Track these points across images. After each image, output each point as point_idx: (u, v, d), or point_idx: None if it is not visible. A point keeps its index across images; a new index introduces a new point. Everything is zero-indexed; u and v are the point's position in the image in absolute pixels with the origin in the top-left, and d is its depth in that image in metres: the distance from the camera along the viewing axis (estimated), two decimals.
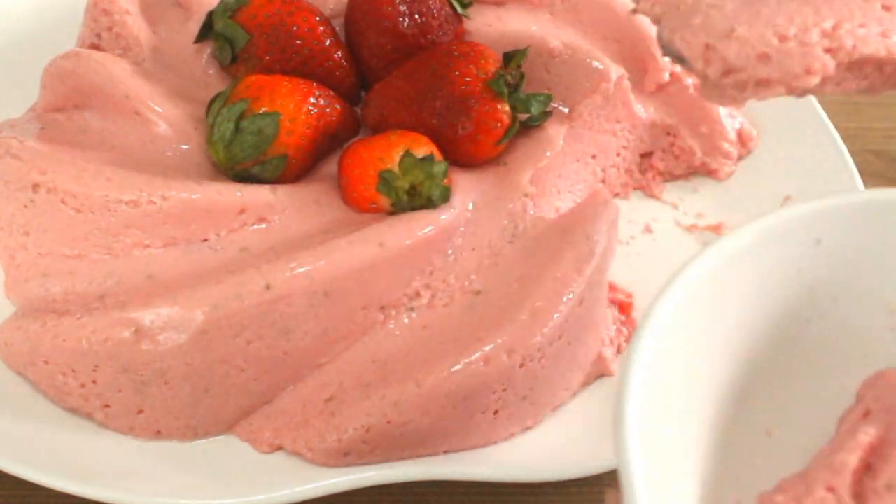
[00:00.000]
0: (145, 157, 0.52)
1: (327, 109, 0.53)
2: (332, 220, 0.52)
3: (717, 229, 0.60)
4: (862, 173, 0.59)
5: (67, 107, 0.54)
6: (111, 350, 0.48)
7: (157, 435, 0.49)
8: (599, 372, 0.53)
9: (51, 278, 0.50)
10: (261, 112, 0.50)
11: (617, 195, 0.62)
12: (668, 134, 0.61)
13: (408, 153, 0.50)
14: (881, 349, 0.37)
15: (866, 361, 0.37)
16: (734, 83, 0.35)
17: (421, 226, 0.50)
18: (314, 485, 0.46)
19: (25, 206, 0.51)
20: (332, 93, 0.54)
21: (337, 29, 0.57)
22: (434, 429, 0.48)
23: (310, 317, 0.49)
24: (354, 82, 0.56)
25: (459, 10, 0.57)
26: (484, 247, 0.52)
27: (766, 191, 0.61)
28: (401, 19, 0.55)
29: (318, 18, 0.55)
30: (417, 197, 0.51)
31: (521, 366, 0.48)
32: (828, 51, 0.34)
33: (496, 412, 0.49)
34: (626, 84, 0.58)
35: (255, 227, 0.51)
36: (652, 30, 0.61)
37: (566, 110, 0.57)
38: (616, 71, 0.57)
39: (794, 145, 0.61)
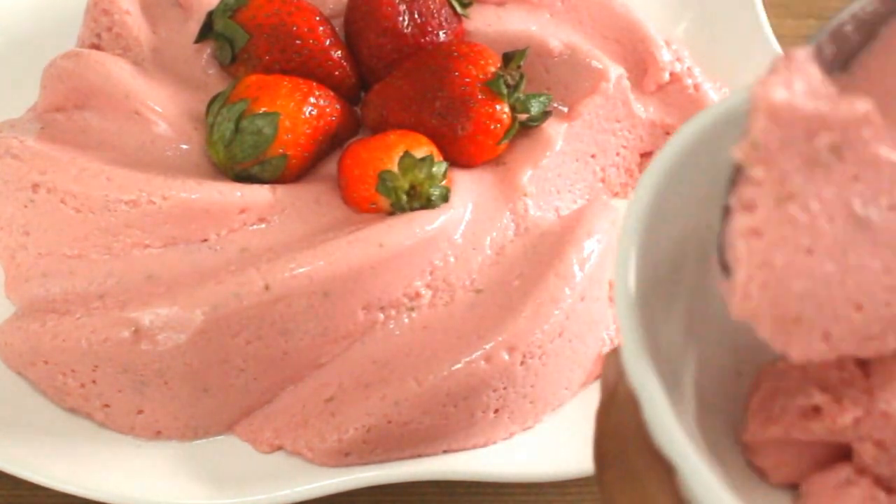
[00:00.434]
0: (145, 157, 0.52)
1: (327, 109, 0.53)
2: (332, 220, 0.52)
3: None
4: None
5: (67, 107, 0.54)
6: (111, 350, 0.48)
7: (157, 435, 0.49)
8: (600, 371, 0.53)
9: (51, 278, 0.50)
10: (261, 112, 0.50)
11: (616, 195, 0.62)
12: (668, 134, 0.61)
13: (407, 153, 0.50)
14: None
15: None
16: None
17: (421, 226, 0.50)
18: (314, 485, 0.46)
19: (25, 206, 0.51)
20: (332, 93, 0.54)
21: (337, 29, 0.57)
22: (434, 428, 0.48)
23: (309, 317, 0.49)
24: (354, 82, 0.56)
25: (459, 10, 0.57)
26: (484, 246, 0.52)
27: None
28: (400, 19, 0.55)
29: (317, 18, 0.55)
30: (417, 197, 0.51)
31: (522, 363, 0.48)
32: None
33: (497, 411, 0.49)
34: (626, 84, 0.58)
35: (255, 227, 0.51)
36: (652, 30, 0.61)
37: (566, 110, 0.57)
38: (615, 70, 0.57)
39: None
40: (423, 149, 0.51)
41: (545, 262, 0.51)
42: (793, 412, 0.31)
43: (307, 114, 0.52)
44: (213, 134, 0.51)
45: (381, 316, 0.51)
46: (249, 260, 0.49)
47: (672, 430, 0.26)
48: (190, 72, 0.56)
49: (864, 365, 0.31)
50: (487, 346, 0.48)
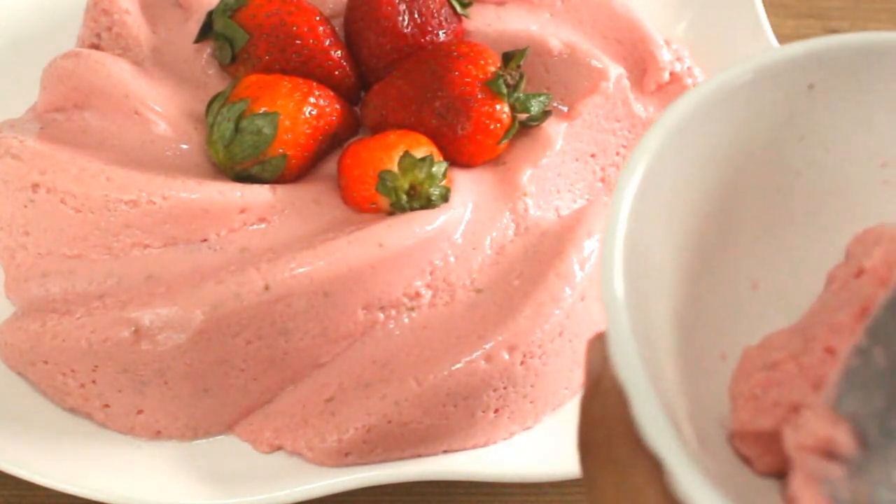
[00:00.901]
0: (145, 157, 0.52)
1: (327, 109, 0.53)
2: (332, 220, 0.52)
3: None
4: None
5: (67, 107, 0.54)
6: (111, 350, 0.48)
7: (157, 435, 0.49)
8: None
9: (50, 278, 0.50)
10: (260, 112, 0.50)
11: None
12: None
13: (407, 153, 0.50)
14: (873, 204, 0.36)
15: (857, 216, 0.35)
16: None
17: (421, 226, 0.50)
18: (314, 485, 0.46)
19: (25, 206, 0.51)
20: (331, 93, 0.54)
21: (337, 29, 0.57)
22: (435, 428, 0.48)
23: (309, 317, 0.49)
24: (354, 82, 0.56)
25: (459, 9, 0.57)
26: (485, 246, 0.52)
27: None
28: (400, 19, 0.55)
29: (317, 18, 0.55)
30: (417, 197, 0.51)
31: (522, 363, 0.48)
32: None
33: (497, 411, 0.49)
34: (626, 83, 0.58)
35: (255, 227, 0.51)
36: (652, 29, 0.61)
37: (565, 109, 0.57)
38: (615, 70, 0.57)
39: None
40: (422, 149, 0.51)
41: (545, 262, 0.51)
42: (786, 407, 0.31)
43: (307, 114, 0.52)
44: (212, 134, 0.51)
45: (381, 316, 0.51)
46: (249, 260, 0.49)
47: (660, 424, 0.26)
48: (190, 72, 0.56)
49: None
50: (487, 346, 0.48)
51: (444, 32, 0.56)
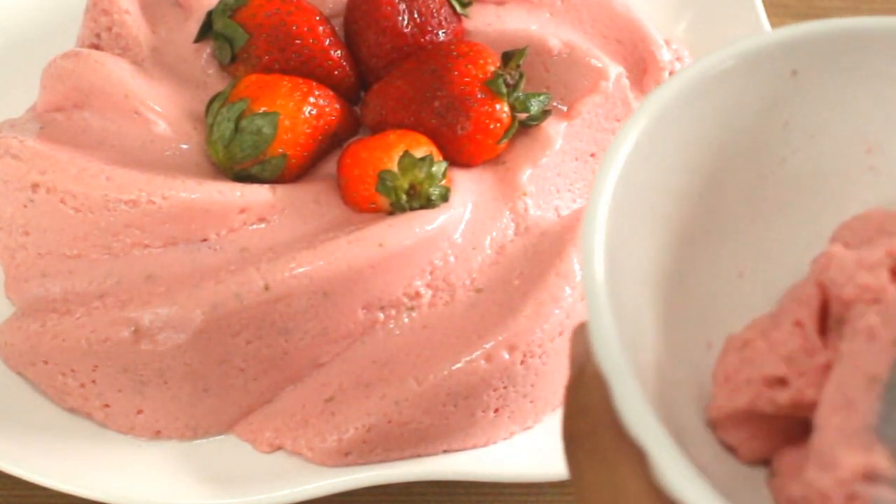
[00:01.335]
0: (145, 157, 0.52)
1: (327, 109, 0.53)
2: (332, 219, 0.52)
3: None
4: None
5: (67, 107, 0.54)
6: (111, 350, 0.48)
7: (157, 435, 0.49)
8: None
9: (50, 278, 0.50)
10: (260, 112, 0.50)
11: None
12: None
13: (407, 153, 0.50)
14: (858, 190, 0.35)
15: (843, 202, 0.35)
16: None
17: (420, 226, 0.50)
18: (314, 485, 0.46)
19: (25, 206, 0.51)
20: (331, 92, 0.54)
21: (336, 28, 0.57)
22: (435, 428, 0.48)
23: (309, 317, 0.49)
24: (354, 82, 0.56)
25: (459, 9, 0.57)
26: (485, 246, 0.52)
27: None
28: (400, 18, 0.55)
29: (317, 18, 0.55)
30: (417, 197, 0.51)
31: (522, 363, 0.48)
32: None
33: (497, 411, 0.49)
34: (625, 82, 0.58)
35: (255, 226, 0.51)
36: (652, 29, 0.61)
37: (565, 109, 0.57)
38: (615, 69, 0.57)
39: None
40: (422, 148, 0.51)
41: (546, 262, 0.51)
42: (758, 383, 0.31)
43: (307, 113, 0.52)
44: (212, 133, 0.51)
45: (381, 316, 0.51)
46: (249, 260, 0.49)
47: (643, 415, 0.26)
48: (189, 71, 0.56)
49: (823, 332, 0.31)
50: (488, 346, 0.48)
51: (443, 32, 0.56)
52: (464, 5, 0.58)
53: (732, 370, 0.31)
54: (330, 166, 0.54)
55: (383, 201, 0.51)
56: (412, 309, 0.51)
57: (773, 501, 0.31)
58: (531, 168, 0.54)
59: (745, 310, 0.34)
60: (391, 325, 0.51)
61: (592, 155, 0.59)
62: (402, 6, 0.55)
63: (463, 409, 0.48)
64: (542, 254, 0.52)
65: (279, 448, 0.49)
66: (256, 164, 0.51)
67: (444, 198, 0.51)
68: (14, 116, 0.56)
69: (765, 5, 0.65)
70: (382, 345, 0.50)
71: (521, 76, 0.54)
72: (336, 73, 0.55)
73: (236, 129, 0.50)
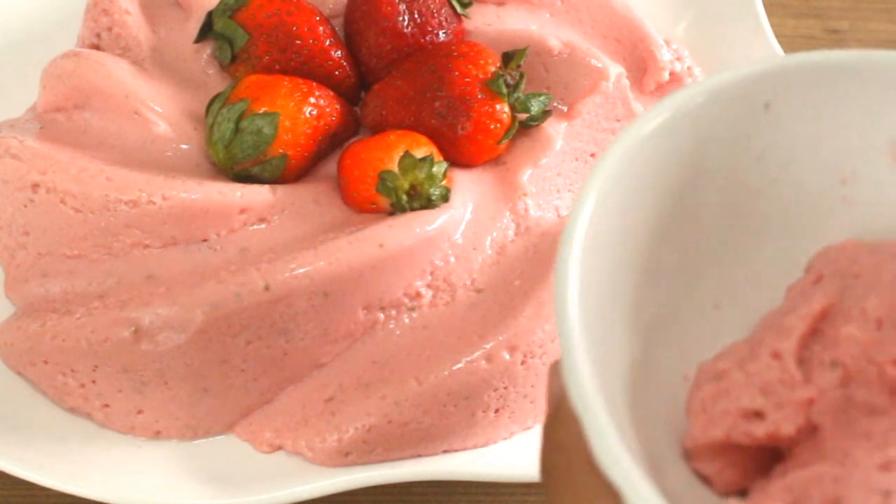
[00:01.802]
0: (145, 157, 0.52)
1: (327, 109, 0.53)
2: (332, 220, 0.52)
3: None
4: None
5: (67, 107, 0.54)
6: (111, 350, 0.48)
7: (157, 435, 0.49)
8: None
9: (50, 278, 0.50)
10: (260, 112, 0.50)
11: None
12: None
13: (407, 154, 0.50)
14: (833, 220, 0.36)
15: (817, 233, 0.35)
16: None
17: (421, 226, 0.50)
18: (314, 485, 0.46)
19: (25, 206, 0.51)
20: (331, 93, 0.54)
21: (337, 29, 0.57)
22: (435, 428, 0.48)
23: (309, 317, 0.49)
24: (354, 82, 0.56)
25: (459, 9, 0.57)
26: (485, 246, 0.52)
27: None
28: (400, 19, 0.55)
29: (317, 18, 0.55)
30: (417, 197, 0.51)
31: (523, 363, 0.48)
32: None
33: (497, 411, 0.49)
34: (625, 83, 0.58)
35: (255, 227, 0.51)
36: (652, 29, 0.61)
37: (565, 109, 0.57)
38: (615, 69, 0.57)
39: None
40: (423, 149, 0.51)
41: (546, 262, 0.51)
42: (734, 415, 0.31)
43: (307, 114, 0.52)
44: (212, 134, 0.51)
45: (382, 316, 0.51)
46: (249, 260, 0.49)
47: (617, 458, 0.26)
48: (190, 72, 0.56)
49: (802, 364, 0.31)
50: (488, 346, 0.48)
51: (444, 32, 0.56)
52: (464, 5, 0.58)
53: (709, 401, 0.31)
54: (330, 166, 0.54)
55: (384, 202, 0.51)
56: (412, 309, 0.51)
57: None
58: (531, 168, 0.54)
59: (722, 342, 0.34)
60: (391, 326, 0.51)
61: (592, 155, 0.59)
62: (403, 6, 0.55)
63: (463, 409, 0.48)
64: (543, 254, 0.52)
65: (279, 448, 0.49)
66: (257, 165, 0.51)
67: (445, 198, 0.51)
68: (14, 116, 0.56)
69: (765, 5, 0.65)
70: (382, 345, 0.50)
71: (521, 76, 0.54)
72: (336, 73, 0.55)
73: (236, 129, 0.50)
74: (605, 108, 0.58)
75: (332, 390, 0.49)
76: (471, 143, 0.53)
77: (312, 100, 0.52)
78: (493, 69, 0.53)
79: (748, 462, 0.31)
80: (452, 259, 0.51)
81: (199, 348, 0.48)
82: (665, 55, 0.60)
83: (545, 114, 0.55)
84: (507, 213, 0.53)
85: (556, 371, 0.31)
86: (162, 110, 0.53)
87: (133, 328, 0.47)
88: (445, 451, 0.49)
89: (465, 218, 0.52)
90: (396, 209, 0.51)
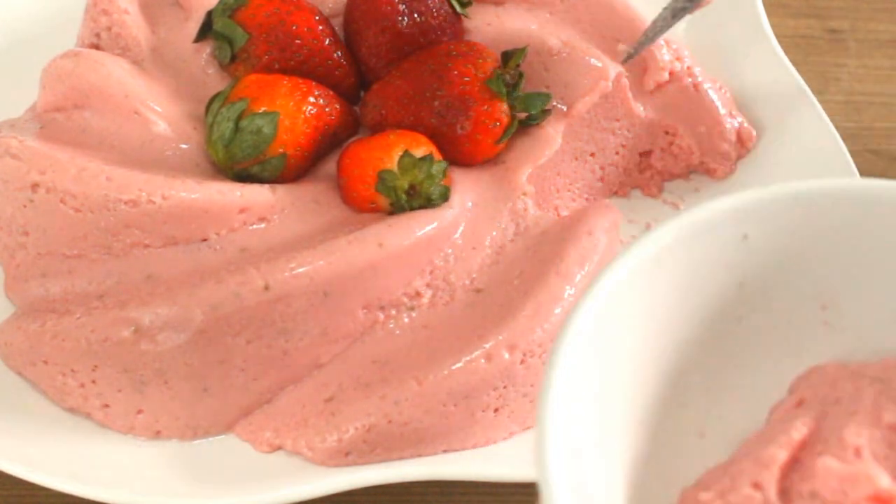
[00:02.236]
0: (145, 157, 0.52)
1: (326, 109, 0.53)
2: (332, 219, 0.52)
3: None
4: (862, 173, 0.59)
5: (67, 106, 0.54)
6: (111, 350, 0.48)
7: (157, 435, 0.49)
8: None
9: (50, 278, 0.50)
10: (260, 112, 0.50)
11: (615, 194, 0.62)
12: (668, 133, 0.61)
13: (407, 153, 0.50)
14: (815, 346, 0.36)
15: (800, 357, 0.36)
16: None
17: (420, 225, 0.50)
18: (314, 485, 0.46)
19: (25, 206, 0.51)
20: (331, 92, 0.54)
21: (336, 28, 0.57)
22: (435, 428, 0.48)
23: (309, 317, 0.49)
24: (354, 82, 0.56)
25: (459, 9, 0.57)
26: (485, 246, 0.52)
27: None
28: (400, 18, 0.55)
29: (317, 18, 0.55)
30: (417, 197, 0.51)
31: (523, 362, 0.48)
32: None
33: (497, 410, 0.49)
34: (625, 82, 0.58)
35: (255, 226, 0.51)
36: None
37: (565, 108, 0.57)
38: (614, 69, 0.57)
39: (794, 145, 0.61)
40: (422, 148, 0.51)
41: (546, 261, 0.51)
42: None
43: (307, 113, 0.52)
44: (212, 133, 0.51)
45: (381, 315, 0.50)
46: (249, 259, 0.49)
47: None
48: (189, 71, 0.56)
49: (782, 495, 0.31)
50: (488, 346, 0.48)
51: (443, 32, 0.56)
52: (463, 5, 0.58)
53: None
54: (330, 166, 0.54)
55: (383, 201, 0.51)
56: (412, 309, 0.51)
57: None
58: (531, 168, 0.54)
59: (705, 467, 0.34)
60: (391, 325, 0.51)
61: (592, 154, 0.59)
62: (402, 6, 0.55)
63: (463, 409, 0.48)
64: (543, 253, 0.52)
65: (279, 448, 0.49)
66: (256, 164, 0.51)
67: (444, 197, 0.51)
68: (14, 116, 0.56)
69: (765, 5, 0.65)
70: (382, 345, 0.50)
71: (520, 76, 0.54)
72: (336, 72, 0.55)
73: (236, 128, 0.50)
74: (604, 108, 0.58)
75: (331, 390, 0.49)
76: (470, 143, 0.53)
77: (312, 99, 0.52)
78: (492, 68, 0.53)
79: None
80: (452, 259, 0.51)
81: (198, 348, 0.48)
82: (665, 55, 0.60)
83: (544, 113, 0.55)
84: (507, 212, 0.53)
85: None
86: (161, 110, 0.53)
87: (133, 328, 0.47)
88: (445, 451, 0.49)
89: (465, 217, 0.52)
90: (396, 209, 0.51)
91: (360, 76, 0.57)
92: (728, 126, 0.61)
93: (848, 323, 0.36)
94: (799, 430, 0.32)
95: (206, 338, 0.48)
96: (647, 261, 0.33)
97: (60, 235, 0.50)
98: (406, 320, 0.51)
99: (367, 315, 0.50)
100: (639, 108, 0.60)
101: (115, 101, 0.53)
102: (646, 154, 0.62)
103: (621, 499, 0.32)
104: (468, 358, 0.47)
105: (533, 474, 0.47)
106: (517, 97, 0.53)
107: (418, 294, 0.51)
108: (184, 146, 0.53)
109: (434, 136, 0.52)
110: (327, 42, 0.55)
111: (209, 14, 0.55)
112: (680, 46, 0.62)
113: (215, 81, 0.55)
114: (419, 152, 0.51)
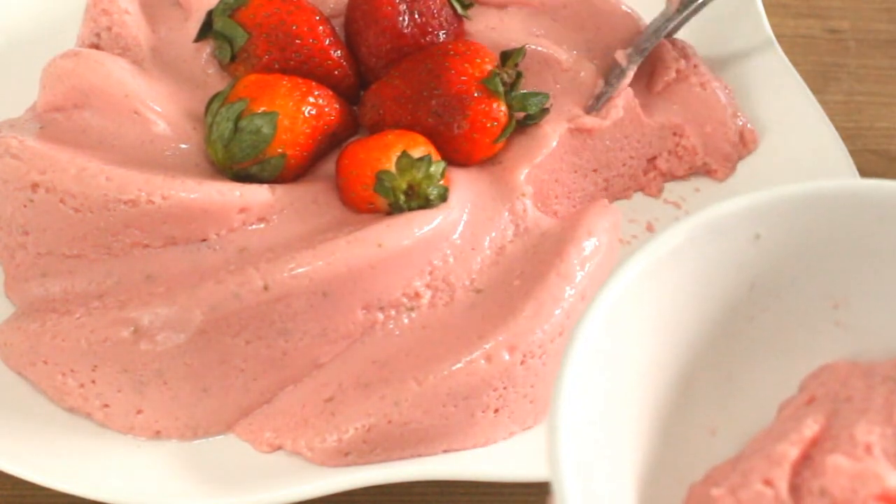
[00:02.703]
0: (144, 157, 0.52)
1: (326, 109, 0.53)
2: (331, 219, 0.52)
3: None
4: (862, 173, 0.59)
5: (67, 106, 0.54)
6: (111, 350, 0.48)
7: (157, 435, 0.49)
8: None
9: (50, 278, 0.50)
10: (259, 112, 0.50)
11: (617, 198, 0.61)
12: (675, 134, 0.61)
13: (405, 153, 0.50)
14: (826, 345, 0.37)
15: (811, 357, 0.36)
16: None
17: (419, 226, 0.50)
18: (314, 485, 0.46)
19: (24, 206, 0.51)
20: (331, 92, 0.54)
21: (337, 28, 0.57)
22: (434, 428, 0.48)
23: (309, 317, 0.49)
24: (354, 82, 0.56)
25: (460, 10, 0.57)
26: (484, 246, 0.52)
27: None
28: (400, 19, 0.55)
29: (317, 18, 0.55)
30: (415, 197, 0.51)
31: (523, 363, 0.48)
32: None
33: (497, 411, 0.49)
34: (635, 101, 0.58)
35: (255, 226, 0.51)
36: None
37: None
38: (626, 93, 0.57)
39: (794, 144, 0.61)
40: (420, 148, 0.51)
41: (546, 262, 0.51)
42: None
43: (306, 113, 0.52)
44: (212, 133, 0.51)
45: (381, 316, 0.50)
46: (249, 260, 0.49)
47: None
48: (189, 71, 0.56)
49: (793, 492, 0.31)
50: (488, 346, 0.48)
51: (444, 33, 0.56)
52: (465, 6, 0.58)
53: None
54: (329, 166, 0.54)
55: (382, 202, 0.51)
56: (412, 309, 0.51)
57: None
58: (528, 167, 0.54)
59: (714, 464, 0.34)
60: (391, 326, 0.51)
61: (595, 170, 0.59)
62: (403, 6, 0.55)
63: (463, 410, 0.48)
64: (543, 254, 0.52)
65: (279, 448, 0.49)
66: (256, 164, 0.51)
67: (443, 198, 0.51)
68: (14, 116, 0.56)
69: (765, 5, 0.65)
70: (382, 345, 0.50)
71: (518, 75, 0.54)
72: (336, 72, 0.55)
73: (235, 128, 0.50)
74: (611, 132, 0.58)
75: (331, 390, 0.49)
76: (467, 142, 0.53)
77: (311, 99, 0.52)
78: (489, 68, 0.53)
79: None
80: (451, 259, 0.51)
81: (198, 348, 0.48)
82: (671, 53, 0.60)
83: (543, 112, 0.55)
84: (506, 213, 0.53)
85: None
86: (161, 110, 0.53)
87: (132, 328, 0.47)
88: (445, 451, 0.49)
89: (464, 218, 0.52)
90: (394, 209, 0.51)
91: (361, 76, 0.57)
92: (732, 127, 0.61)
93: (860, 322, 0.36)
94: (810, 428, 0.32)
95: (206, 338, 0.48)
96: (658, 261, 0.33)
97: (60, 235, 0.50)
98: (406, 321, 0.51)
99: (366, 315, 0.50)
100: (649, 119, 0.59)
101: (115, 101, 0.53)
102: (653, 159, 0.61)
103: (632, 496, 0.32)
104: (468, 358, 0.47)
105: (533, 474, 0.47)
106: (515, 96, 0.53)
107: (418, 294, 0.51)
108: (183, 146, 0.53)
109: (432, 136, 0.52)
110: (327, 42, 0.55)
111: (209, 14, 0.55)
112: (685, 44, 0.62)
113: (215, 81, 0.55)
114: (417, 153, 0.51)
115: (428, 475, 0.47)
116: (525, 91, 0.54)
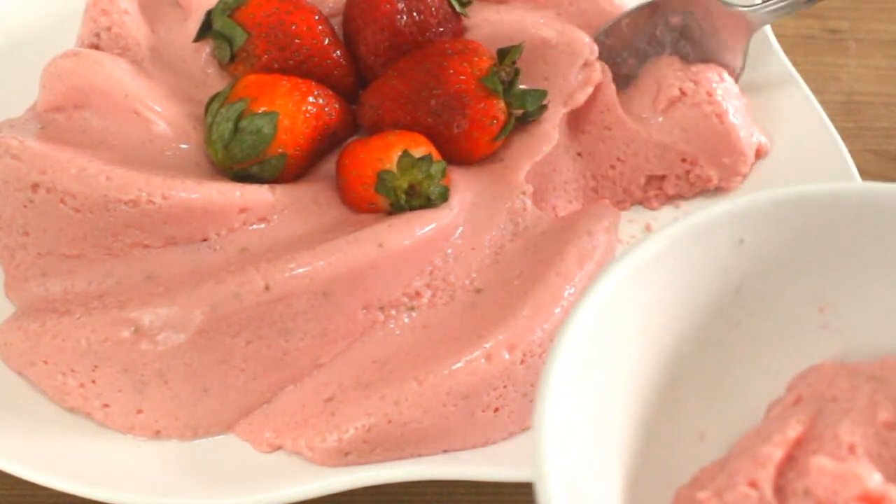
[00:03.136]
0: (144, 157, 0.52)
1: (326, 109, 0.53)
2: (332, 219, 0.52)
3: None
4: (862, 173, 0.59)
5: (67, 106, 0.54)
6: (111, 350, 0.48)
7: (157, 435, 0.49)
8: None
9: (50, 278, 0.50)
10: (259, 112, 0.50)
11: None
12: (685, 161, 0.59)
13: (406, 153, 0.50)
14: (813, 347, 0.37)
15: (798, 359, 0.37)
16: None
17: (420, 226, 0.50)
18: (314, 485, 0.46)
19: (25, 206, 0.51)
20: (330, 92, 0.54)
21: (336, 28, 0.57)
22: (434, 428, 0.48)
23: (309, 317, 0.49)
24: (353, 81, 0.56)
25: (458, 8, 0.57)
26: (484, 245, 0.52)
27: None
28: (399, 17, 0.55)
29: (316, 17, 0.55)
30: (416, 197, 0.51)
31: (522, 362, 0.48)
32: None
33: (497, 410, 0.49)
34: (611, 87, 0.58)
35: (255, 226, 0.51)
36: None
37: (564, 101, 0.56)
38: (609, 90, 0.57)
39: (793, 145, 0.61)
40: (421, 148, 0.51)
41: (545, 261, 0.51)
42: None
43: (306, 113, 0.52)
44: (212, 133, 0.51)
45: (381, 315, 0.51)
46: (249, 260, 0.49)
47: None
48: (189, 71, 0.56)
49: (778, 492, 0.32)
50: (487, 345, 0.48)
51: (442, 31, 0.56)
52: (463, 4, 0.57)
53: None
54: (329, 166, 0.54)
55: (382, 201, 0.51)
56: (412, 309, 0.51)
57: None
58: (529, 165, 0.54)
59: (701, 466, 0.35)
60: (391, 325, 0.51)
61: (579, 154, 0.59)
62: (401, 4, 0.55)
63: (463, 409, 0.48)
64: (542, 253, 0.52)
65: (279, 448, 0.49)
66: (256, 164, 0.51)
67: (444, 197, 0.51)
68: (14, 116, 0.56)
69: None
70: (382, 345, 0.50)
71: (516, 73, 0.54)
72: (335, 72, 0.55)
73: (236, 128, 0.50)
74: (588, 106, 0.58)
75: (331, 390, 0.49)
76: (467, 141, 0.53)
77: (311, 99, 0.52)
78: (487, 66, 0.53)
79: None
80: (451, 258, 0.51)
81: (198, 348, 0.48)
82: (675, 72, 0.60)
83: (541, 109, 0.55)
84: (506, 212, 0.53)
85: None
86: (161, 110, 0.53)
87: (133, 328, 0.47)
88: (445, 451, 0.49)
89: (464, 217, 0.52)
90: (395, 209, 0.51)
91: (360, 75, 0.57)
92: (750, 152, 0.60)
93: (846, 324, 0.37)
94: (794, 428, 0.33)
95: (206, 338, 0.48)
96: (644, 265, 0.33)
97: (60, 235, 0.50)
98: (406, 320, 0.51)
99: (366, 315, 0.50)
100: (644, 131, 0.59)
101: (115, 101, 0.53)
102: (658, 178, 0.60)
103: (616, 497, 0.32)
104: (468, 358, 0.48)
105: (531, 475, 0.47)
106: (514, 94, 0.53)
107: (418, 294, 0.51)
108: (183, 146, 0.53)
109: (431, 135, 0.52)
110: (327, 41, 0.55)
111: (209, 14, 0.55)
112: (700, 69, 0.60)
113: (215, 81, 0.55)
114: (418, 152, 0.51)
115: (428, 475, 0.47)
116: (524, 88, 0.54)
